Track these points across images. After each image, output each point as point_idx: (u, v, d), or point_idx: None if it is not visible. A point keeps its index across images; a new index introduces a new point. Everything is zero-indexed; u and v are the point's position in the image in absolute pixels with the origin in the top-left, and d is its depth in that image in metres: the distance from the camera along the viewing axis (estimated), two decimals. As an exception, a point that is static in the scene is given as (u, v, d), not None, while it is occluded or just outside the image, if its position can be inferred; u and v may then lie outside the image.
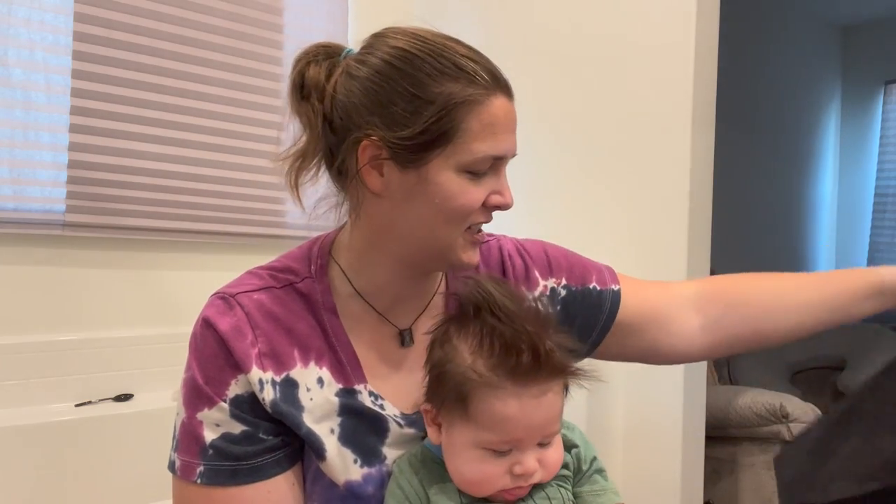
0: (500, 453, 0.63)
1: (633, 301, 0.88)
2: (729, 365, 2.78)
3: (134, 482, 1.73)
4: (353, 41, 0.77)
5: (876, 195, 4.17)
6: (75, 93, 1.77)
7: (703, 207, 1.72)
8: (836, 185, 4.35)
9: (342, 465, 0.69)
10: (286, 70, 2.15)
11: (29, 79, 1.72)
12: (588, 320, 0.85)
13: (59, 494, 1.63)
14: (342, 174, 0.72)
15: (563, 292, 0.85)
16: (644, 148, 1.77)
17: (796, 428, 1.98)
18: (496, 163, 0.70)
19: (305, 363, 0.71)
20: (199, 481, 0.67)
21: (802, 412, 1.99)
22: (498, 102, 0.68)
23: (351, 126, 0.68)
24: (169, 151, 1.91)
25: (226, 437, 0.68)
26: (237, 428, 0.68)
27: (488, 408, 0.61)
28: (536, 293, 0.84)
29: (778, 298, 0.86)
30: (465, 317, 0.67)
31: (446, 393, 0.64)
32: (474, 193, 0.68)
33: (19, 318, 1.74)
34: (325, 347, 0.73)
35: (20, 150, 1.72)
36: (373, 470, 0.71)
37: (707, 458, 1.79)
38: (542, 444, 0.64)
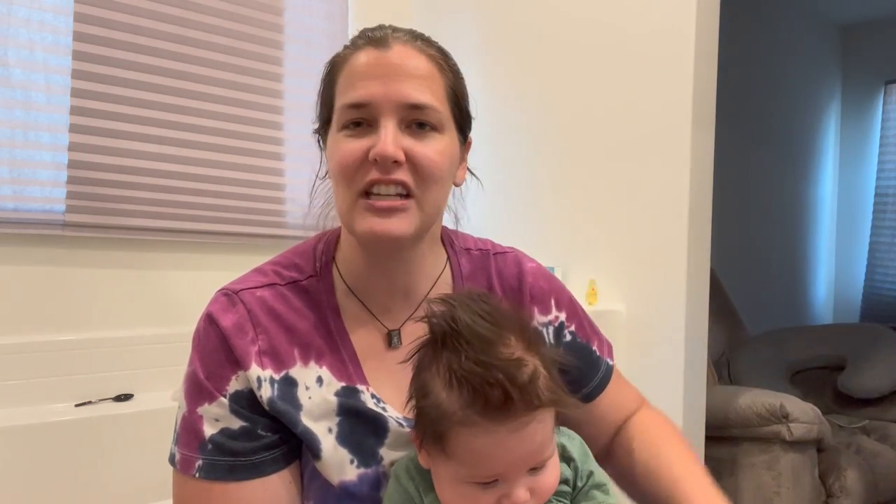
0: (486, 485, 0.60)
1: (612, 390, 0.86)
2: (729, 365, 2.78)
3: (134, 482, 1.73)
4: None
5: (876, 195, 4.16)
6: (75, 93, 1.77)
7: (703, 207, 1.72)
8: (836, 186, 4.35)
9: (338, 464, 0.69)
10: (286, 70, 2.16)
11: (29, 79, 1.72)
12: (579, 378, 0.82)
13: (59, 494, 1.63)
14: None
15: (569, 336, 0.83)
16: (644, 148, 1.77)
17: (796, 428, 1.98)
18: (368, 112, 0.67)
19: (305, 362, 0.71)
20: (197, 475, 0.67)
21: (802, 412, 1.99)
22: (360, 54, 0.69)
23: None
24: (169, 151, 1.91)
25: (225, 432, 0.68)
26: (236, 423, 0.68)
27: (466, 446, 0.58)
28: (546, 319, 0.82)
29: (653, 473, 0.79)
30: (437, 345, 0.62)
31: (424, 428, 0.62)
32: (347, 147, 0.67)
33: (19, 318, 1.74)
34: (327, 346, 0.72)
35: (20, 150, 1.72)
36: (369, 471, 0.70)
37: (707, 458, 1.79)
38: (535, 469, 0.61)
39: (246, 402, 0.68)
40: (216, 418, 0.68)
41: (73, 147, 1.77)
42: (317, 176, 0.80)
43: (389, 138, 0.65)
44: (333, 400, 0.71)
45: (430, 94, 0.68)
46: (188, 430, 0.69)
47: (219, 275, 2.04)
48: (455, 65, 0.75)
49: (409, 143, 0.67)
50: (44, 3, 1.74)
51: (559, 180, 1.99)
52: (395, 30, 0.72)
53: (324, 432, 0.70)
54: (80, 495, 1.66)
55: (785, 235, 3.97)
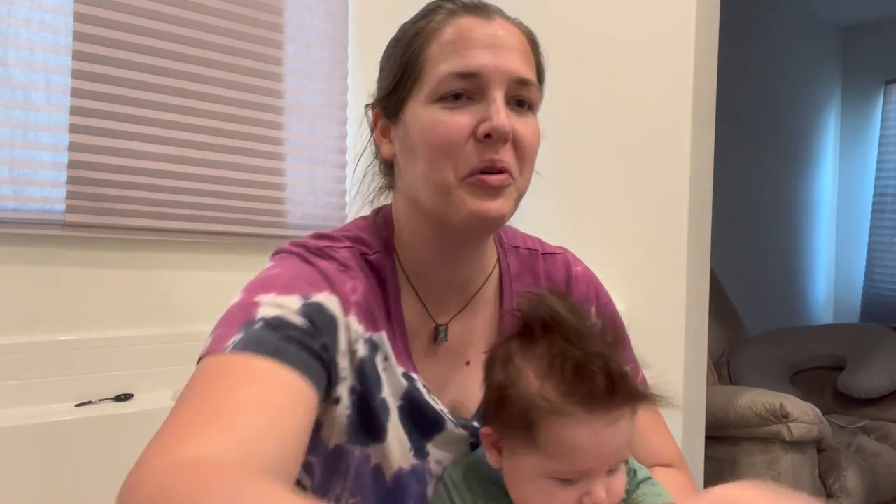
0: (568, 482, 0.58)
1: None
2: (729, 365, 2.78)
3: (134, 482, 1.72)
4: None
5: (875, 195, 4.16)
6: (75, 93, 1.77)
7: (703, 207, 1.72)
8: (836, 185, 4.35)
9: (399, 449, 0.65)
10: (286, 70, 2.15)
11: (29, 79, 1.72)
12: None
13: (59, 494, 1.63)
14: (383, 161, 0.73)
15: None
16: (644, 148, 1.77)
17: (796, 428, 1.98)
18: (476, 83, 0.61)
19: (377, 331, 0.67)
20: (228, 349, 0.55)
21: (802, 412, 1.99)
22: (461, 21, 0.63)
23: (368, 110, 0.73)
24: (169, 151, 1.91)
25: (282, 320, 0.57)
26: (299, 321, 0.58)
27: (558, 437, 0.57)
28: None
29: None
30: (530, 336, 0.61)
31: (510, 419, 0.59)
32: (452, 122, 0.61)
33: (19, 318, 1.74)
34: (387, 326, 0.68)
35: (20, 150, 1.72)
36: (418, 463, 0.67)
37: (707, 458, 1.79)
38: (611, 471, 0.60)
39: (322, 318, 0.60)
40: (279, 305, 0.58)
41: (73, 147, 1.77)
42: (360, 155, 0.75)
43: (504, 112, 0.60)
44: (401, 382, 0.67)
45: (530, 71, 0.65)
46: (232, 315, 0.59)
47: (219, 275, 2.06)
48: (537, 39, 0.72)
49: (515, 120, 0.62)
50: (44, 3, 1.74)
51: (559, 180, 1.99)
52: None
53: (394, 409, 0.66)
54: (80, 495, 1.65)
55: (784, 235, 3.97)
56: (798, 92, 3.96)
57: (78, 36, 1.77)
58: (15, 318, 1.73)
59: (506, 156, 0.62)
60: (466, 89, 0.61)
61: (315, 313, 0.60)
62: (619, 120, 1.84)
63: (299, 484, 0.69)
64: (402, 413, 0.66)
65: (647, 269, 1.76)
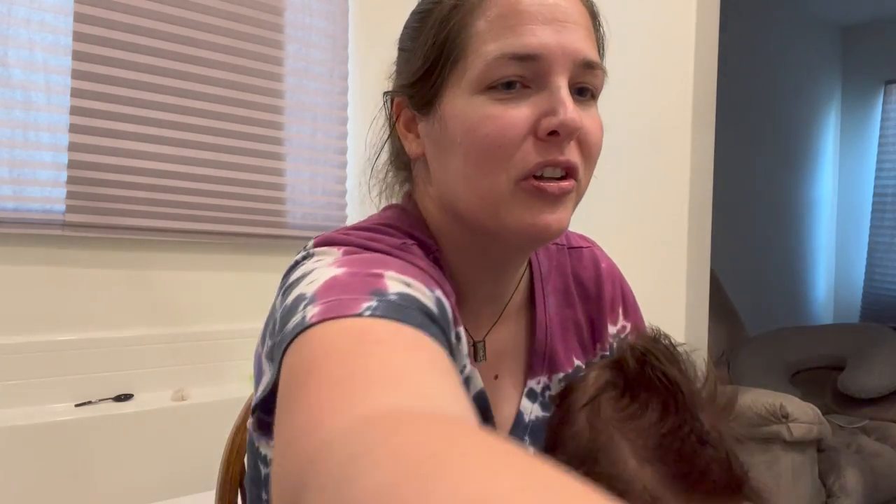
0: None
1: None
2: (729, 365, 2.78)
3: (134, 482, 1.73)
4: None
5: (875, 195, 4.16)
6: (75, 93, 1.77)
7: (703, 207, 1.72)
8: (836, 185, 4.35)
9: None
10: (286, 70, 2.16)
11: (29, 79, 1.72)
12: None
13: (59, 494, 1.63)
14: (402, 157, 0.61)
15: None
16: (644, 148, 1.77)
17: (796, 428, 1.98)
18: (535, 68, 0.49)
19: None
20: (366, 314, 0.41)
21: (802, 412, 1.99)
22: None
23: (388, 98, 0.60)
24: (169, 151, 1.91)
25: (416, 300, 0.45)
26: (431, 305, 0.46)
27: None
28: (614, 329, 0.69)
29: None
30: (633, 398, 0.49)
31: None
32: (503, 117, 0.49)
33: (19, 318, 1.74)
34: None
35: (20, 150, 1.72)
36: None
37: (707, 458, 1.78)
38: None
39: (444, 316, 0.48)
40: (407, 283, 0.46)
41: (73, 147, 1.77)
42: (377, 155, 0.63)
43: (571, 104, 0.50)
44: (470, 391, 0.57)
45: (595, 51, 0.54)
46: (350, 283, 0.45)
47: (219, 275, 2.06)
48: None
49: (581, 112, 0.52)
50: (44, 3, 1.74)
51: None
52: None
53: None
54: (80, 495, 1.66)
55: (785, 235, 3.97)
56: (798, 92, 3.96)
57: (78, 36, 1.77)
58: (15, 318, 1.73)
59: (572, 155, 0.51)
60: (522, 76, 0.50)
61: (442, 307, 0.49)
62: (619, 120, 1.84)
63: None
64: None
65: (647, 269, 1.76)
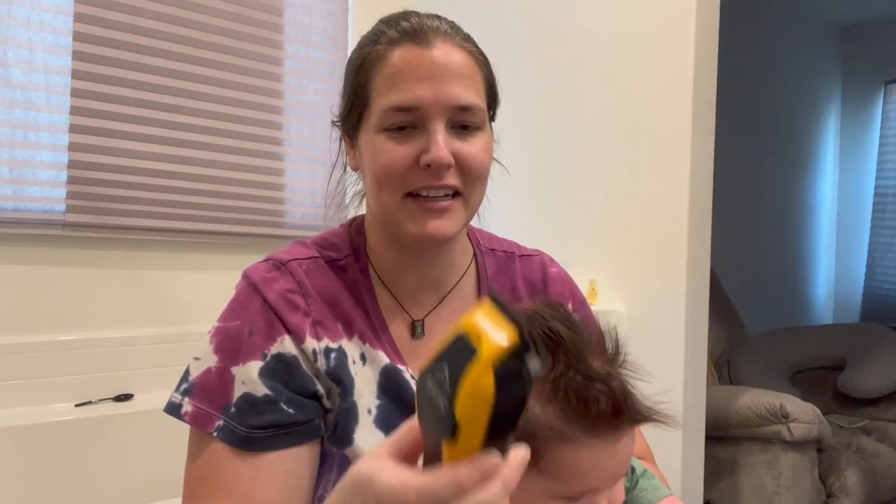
0: (572, 499, 0.59)
1: None
2: (729, 365, 2.78)
3: (134, 482, 1.73)
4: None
5: (876, 195, 4.16)
6: (75, 93, 1.77)
7: (703, 207, 1.72)
8: (836, 185, 4.35)
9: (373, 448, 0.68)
10: (286, 70, 2.16)
11: (29, 79, 1.72)
12: None
13: (59, 494, 1.63)
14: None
15: None
16: (644, 148, 1.77)
17: (796, 428, 1.98)
18: (416, 115, 0.65)
19: (349, 337, 0.70)
20: (216, 434, 0.64)
21: (802, 412, 1.99)
22: (400, 51, 0.65)
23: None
24: (169, 151, 1.91)
25: (247, 398, 0.65)
26: (261, 391, 0.65)
27: (563, 461, 0.56)
28: None
29: None
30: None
31: None
32: (395, 152, 0.65)
33: (19, 318, 1.74)
34: (367, 325, 0.71)
35: (20, 150, 1.72)
36: None
37: (707, 458, 1.79)
38: (612, 483, 0.61)
39: (285, 367, 0.66)
40: (244, 381, 0.65)
41: (73, 147, 1.77)
42: (333, 167, 0.79)
43: (443, 144, 0.64)
44: (375, 380, 0.69)
45: (475, 94, 0.67)
46: (214, 387, 0.65)
47: (219, 275, 2.06)
48: (483, 52, 0.73)
49: (458, 145, 0.66)
50: (44, 3, 1.74)
51: (559, 180, 1.99)
52: (427, 19, 0.69)
53: (364, 412, 0.68)
54: (80, 495, 1.66)
55: (785, 235, 3.97)
56: (798, 92, 3.96)
57: (78, 36, 1.77)
58: (15, 318, 1.73)
59: (450, 180, 0.66)
60: (408, 121, 0.65)
61: (282, 364, 0.66)
62: (619, 121, 1.84)
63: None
64: (383, 411, 0.68)
65: (647, 269, 1.76)
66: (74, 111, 1.77)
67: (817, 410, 2.03)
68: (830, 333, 2.94)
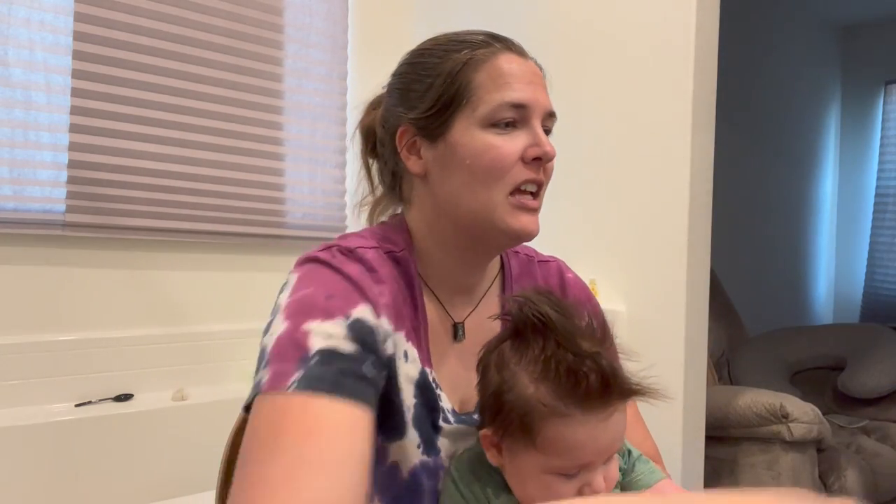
0: (568, 476, 0.61)
1: None
2: (729, 365, 2.78)
3: (134, 482, 1.73)
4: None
5: (876, 195, 4.16)
6: (75, 93, 1.77)
7: (703, 207, 1.72)
8: (836, 185, 4.35)
9: (413, 446, 0.68)
10: (286, 70, 2.16)
11: (29, 79, 1.72)
12: None
13: (59, 494, 1.63)
14: (395, 175, 0.77)
15: None
16: (644, 148, 1.77)
17: (796, 428, 1.98)
18: (523, 114, 0.70)
19: (399, 330, 0.69)
20: (291, 388, 0.56)
21: (802, 412, 1.99)
22: (505, 57, 0.71)
23: (389, 127, 0.75)
24: (169, 151, 1.91)
25: (335, 351, 0.59)
26: (349, 348, 0.60)
27: (557, 437, 0.59)
28: None
29: None
30: (523, 340, 0.63)
31: (508, 422, 0.61)
32: (504, 147, 0.68)
33: (19, 318, 1.74)
34: (411, 323, 0.71)
35: (20, 150, 1.72)
36: (430, 460, 0.69)
37: (707, 458, 1.79)
38: (608, 459, 0.63)
39: (368, 331, 0.63)
40: (329, 335, 0.60)
41: (73, 147, 1.77)
42: (364, 168, 0.81)
43: (547, 140, 0.71)
44: (414, 378, 0.70)
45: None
46: (287, 346, 0.59)
47: (219, 275, 2.06)
48: None
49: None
50: (44, 3, 1.74)
51: (559, 180, 1.99)
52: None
53: (406, 409, 0.68)
54: (80, 495, 1.66)
55: (785, 235, 3.97)
56: (798, 92, 3.96)
57: (78, 36, 1.77)
58: (15, 318, 1.73)
59: (542, 176, 0.72)
60: (514, 118, 0.69)
61: (359, 331, 0.62)
62: (619, 120, 1.84)
63: None
64: (417, 410, 0.69)
65: (647, 269, 1.76)
66: (75, 111, 1.77)
67: (817, 410, 2.03)
68: (831, 333, 2.93)
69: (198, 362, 1.95)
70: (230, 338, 2.01)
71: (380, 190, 0.81)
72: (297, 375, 0.57)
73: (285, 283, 0.66)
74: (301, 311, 0.61)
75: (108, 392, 1.81)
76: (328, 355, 0.59)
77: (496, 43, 0.72)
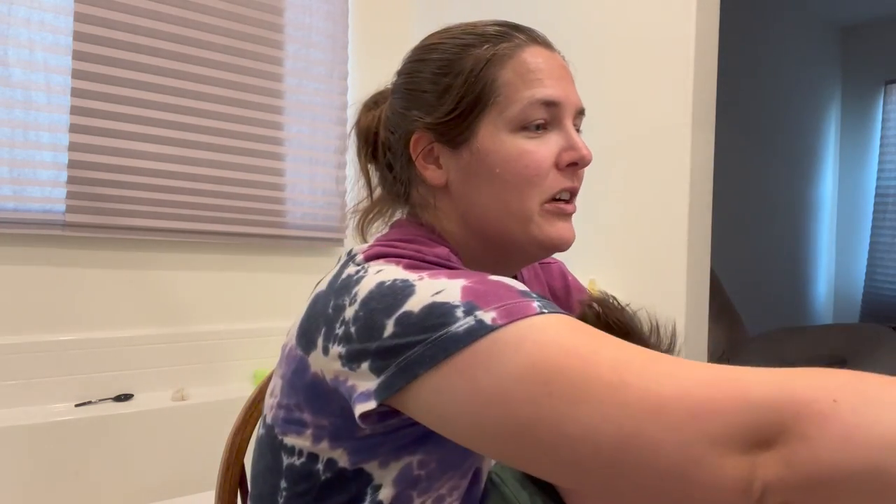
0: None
1: None
2: (729, 364, 2.78)
3: (134, 482, 1.73)
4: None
5: (876, 195, 4.16)
6: (75, 93, 1.77)
7: (703, 207, 1.72)
8: (837, 186, 4.35)
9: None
10: (286, 70, 2.16)
11: (29, 79, 1.73)
12: None
13: (59, 494, 1.63)
14: (404, 184, 0.68)
15: None
16: (644, 148, 1.77)
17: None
18: (555, 113, 0.62)
19: None
20: (545, 311, 0.48)
21: (802, 412, 1.99)
22: (532, 50, 0.63)
23: (400, 133, 0.66)
24: (169, 151, 1.91)
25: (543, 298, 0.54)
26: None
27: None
28: None
29: None
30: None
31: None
32: (538, 152, 0.61)
33: (19, 318, 1.74)
34: None
35: (20, 150, 1.72)
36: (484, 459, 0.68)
37: (707, 458, 1.78)
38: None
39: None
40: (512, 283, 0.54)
41: (73, 147, 1.77)
42: (360, 173, 0.73)
43: (583, 142, 0.63)
44: None
45: None
46: (497, 289, 0.50)
47: (219, 275, 2.06)
48: None
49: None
50: (44, 3, 1.74)
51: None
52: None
53: None
54: (80, 495, 1.66)
55: (785, 235, 3.97)
56: (798, 92, 3.96)
57: (78, 36, 1.77)
58: (15, 318, 1.73)
59: (578, 183, 0.65)
60: (545, 119, 0.62)
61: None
62: (618, 121, 1.84)
63: (410, 477, 0.62)
64: None
65: (647, 269, 1.76)
66: (75, 111, 1.77)
67: (817, 410, 2.03)
68: (830, 333, 2.93)
69: (198, 362, 1.95)
70: (230, 338, 2.01)
71: (377, 196, 0.74)
72: (535, 302, 0.49)
73: (373, 284, 0.54)
74: (471, 275, 0.53)
75: (108, 392, 1.81)
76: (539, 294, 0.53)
77: (518, 34, 0.64)
